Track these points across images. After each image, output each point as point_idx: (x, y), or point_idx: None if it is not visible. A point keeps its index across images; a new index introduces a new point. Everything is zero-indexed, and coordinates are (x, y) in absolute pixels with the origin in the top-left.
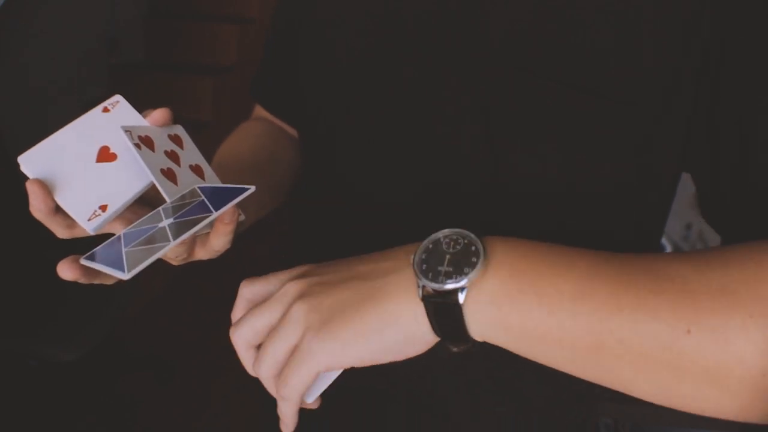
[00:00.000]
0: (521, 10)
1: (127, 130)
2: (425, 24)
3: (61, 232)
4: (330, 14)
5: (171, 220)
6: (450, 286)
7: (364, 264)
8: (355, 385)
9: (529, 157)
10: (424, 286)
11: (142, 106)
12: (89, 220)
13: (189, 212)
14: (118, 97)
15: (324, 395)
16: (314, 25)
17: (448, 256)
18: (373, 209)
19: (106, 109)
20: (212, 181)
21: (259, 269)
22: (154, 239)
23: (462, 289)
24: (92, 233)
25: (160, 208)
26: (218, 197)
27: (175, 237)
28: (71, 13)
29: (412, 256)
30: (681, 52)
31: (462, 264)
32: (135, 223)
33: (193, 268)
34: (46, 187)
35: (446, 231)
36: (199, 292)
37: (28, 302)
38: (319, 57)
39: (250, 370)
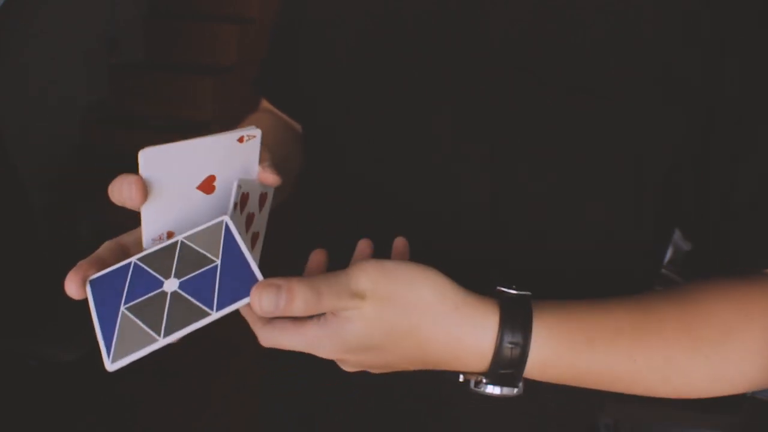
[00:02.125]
0: (521, 10)
1: (240, 185)
2: (425, 24)
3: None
4: (330, 14)
5: (175, 287)
6: (508, 392)
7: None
8: (360, 384)
9: (529, 157)
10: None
11: (142, 106)
12: (152, 240)
13: (194, 291)
14: (256, 132)
15: (329, 393)
16: (315, 25)
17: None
18: (374, 207)
19: (241, 139)
20: (252, 255)
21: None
22: (147, 316)
23: None
24: (145, 249)
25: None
26: (229, 289)
27: (166, 334)
28: (71, 14)
29: (482, 379)
30: (681, 52)
31: (514, 382)
32: (148, 252)
33: None
34: (144, 190)
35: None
36: None
37: (28, 302)
38: (319, 56)
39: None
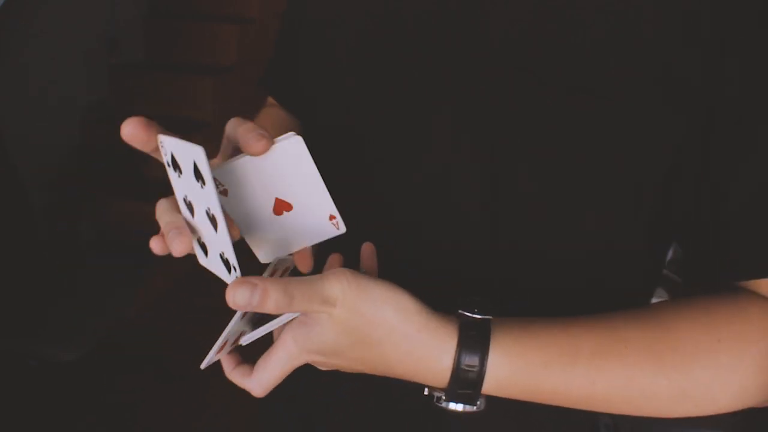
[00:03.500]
0: (521, 11)
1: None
2: (425, 24)
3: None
4: (330, 14)
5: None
6: (468, 409)
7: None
8: (359, 384)
9: (528, 157)
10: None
11: (142, 106)
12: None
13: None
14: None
15: (328, 393)
16: (315, 25)
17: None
18: (371, 207)
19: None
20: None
21: (260, 269)
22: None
23: None
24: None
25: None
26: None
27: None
28: (71, 14)
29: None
30: (681, 52)
31: (472, 401)
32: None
33: (194, 268)
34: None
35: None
36: (200, 292)
37: (28, 302)
38: (319, 56)
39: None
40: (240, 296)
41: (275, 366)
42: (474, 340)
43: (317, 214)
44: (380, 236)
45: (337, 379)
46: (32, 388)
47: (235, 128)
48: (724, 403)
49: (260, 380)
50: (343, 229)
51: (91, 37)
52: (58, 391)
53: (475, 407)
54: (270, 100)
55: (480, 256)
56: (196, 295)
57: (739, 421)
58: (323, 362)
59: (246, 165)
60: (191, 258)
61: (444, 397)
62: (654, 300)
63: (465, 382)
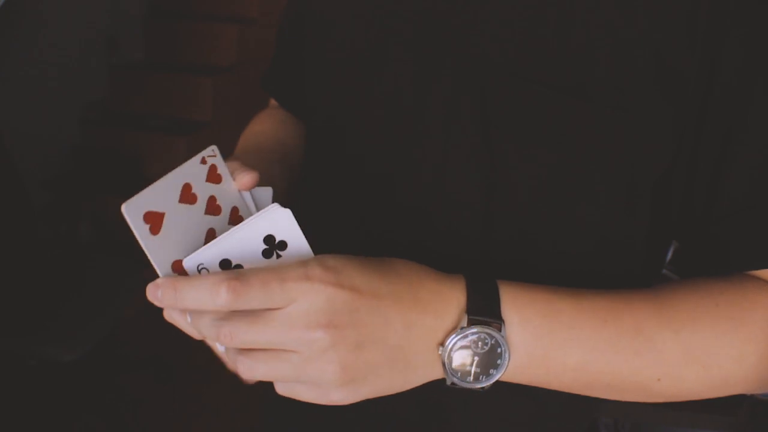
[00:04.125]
0: (513, 12)
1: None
2: (421, 26)
3: None
4: (330, 14)
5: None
6: (478, 386)
7: (394, 330)
8: None
9: (525, 159)
10: (453, 383)
11: (142, 106)
12: (166, 272)
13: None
14: (215, 150)
15: None
16: (315, 25)
17: (476, 358)
18: (369, 205)
19: (203, 160)
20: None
21: None
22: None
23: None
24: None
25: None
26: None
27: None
28: (71, 14)
29: (443, 354)
30: (675, 57)
31: (489, 366)
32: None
33: None
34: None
35: (474, 330)
36: None
37: (28, 302)
38: (319, 57)
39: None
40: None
41: (269, 335)
42: (481, 282)
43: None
44: (377, 233)
45: None
46: (32, 388)
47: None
48: (729, 368)
49: (251, 362)
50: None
51: (91, 37)
52: (58, 391)
53: (501, 333)
54: (273, 101)
55: (471, 255)
56: None
57: (739, 422)
58: (322, 337)
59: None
60: None
61: (465, 321)
62: None
63: (482, 289)
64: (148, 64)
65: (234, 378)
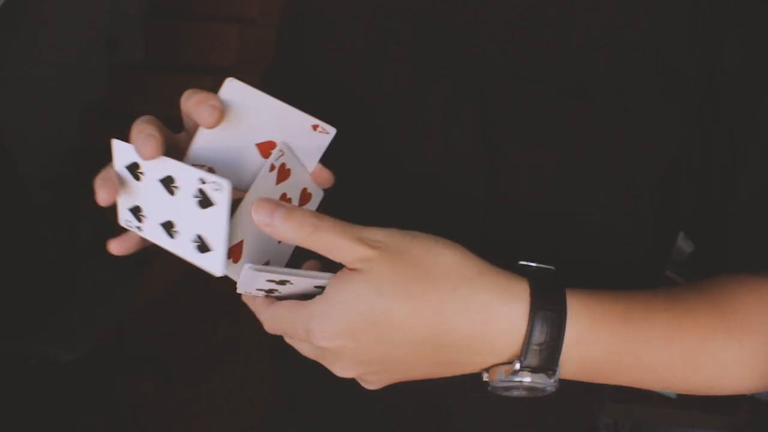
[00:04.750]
0: (515, 16)
1: (281, 150)
2: (421, 27)
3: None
4: (330, 14)
5: None
6: (540, 384)
7: (440, 360)
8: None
9: (525, 159)
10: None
11: (142, 106)
12: (192, 163)
13: None
14: (330, 130)
15: (329, 394)
16: (315, 25)
17: (524, 391)
18: (369, 205)
19: (315, 126)
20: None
21: None
22: None
23: None
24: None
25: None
26: None
27: None
28: (71, 13)
29: (487, 379)
30: (675, 57)
31: (535, 392)
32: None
33: (193, 268)
34: (221, 114)
35: (528, 380)
36: (200, 293)
37: (28, 302)
38: (319, 57)
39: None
40: (260, 212)
41: (298, 318)
42: (548, 285)
43: (302, 133)
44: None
45: (339, 378)
46: (32, 388)
47: (187, 101)
48: None
49: (278, 317)
50: (332, 130)
51: (91, 37)
52: (57, 391)
53: (552, 380)
54: None
55: (475, 251)
56: (195, 296)
57: (739, 422)
58: (351, 348)
59: (208, 135)
60: None
61: (518, 364)
62: None
63: (543, 334)
64: (148, 64)
65: (234, 378)
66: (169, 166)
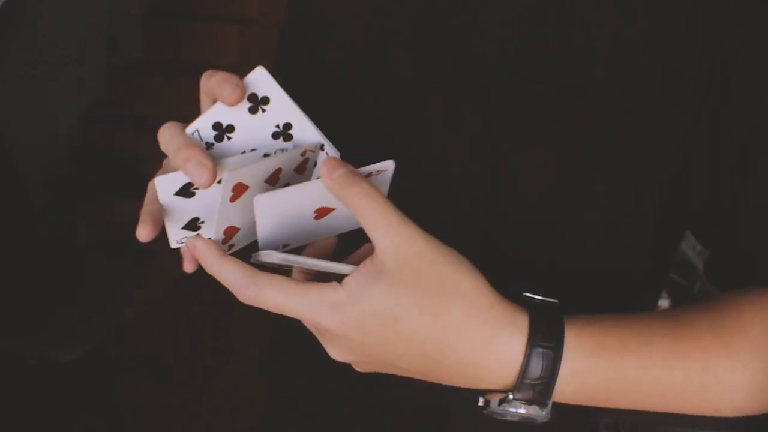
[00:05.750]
0: (515, 16)
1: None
2: (421, 27)
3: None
4: (330, 14)
5: None
6: (533, 415)
7: (440, 369)
8: (360, 386)
9: (525, 159)
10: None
11: (142, 106)
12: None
13: None
14: (389, 165)
15: (329, 394)
16: (315, 25)
17: (521, 412)
18: None
19: (369, 175)
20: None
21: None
22: None
23: None
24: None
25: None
26: None
27: None
28: (71, 14)
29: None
30: (675, 57)
31: (544, 397)
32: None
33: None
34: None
35: (523, 411)
36: (199, 293)
37: (28, 302)
38: (319, 57)
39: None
40: (334, 165)
41: (284, 299)
42: (547, 321)
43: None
44: None
45: (340, 378)
46: (32, 388)
47: (208, 80)
48: None
49: (258, 292)
50: (390, 165)
51: (91, 37)
52: (57, 391)
53: (544, 411)
54: None
55: (476, 251)
56: (195, 296)
57: (740, 422)
58: (350, 343)
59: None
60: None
61: (512, 395)
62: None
63: (538, 369)
64: (148, 64)
65: (234, 378)
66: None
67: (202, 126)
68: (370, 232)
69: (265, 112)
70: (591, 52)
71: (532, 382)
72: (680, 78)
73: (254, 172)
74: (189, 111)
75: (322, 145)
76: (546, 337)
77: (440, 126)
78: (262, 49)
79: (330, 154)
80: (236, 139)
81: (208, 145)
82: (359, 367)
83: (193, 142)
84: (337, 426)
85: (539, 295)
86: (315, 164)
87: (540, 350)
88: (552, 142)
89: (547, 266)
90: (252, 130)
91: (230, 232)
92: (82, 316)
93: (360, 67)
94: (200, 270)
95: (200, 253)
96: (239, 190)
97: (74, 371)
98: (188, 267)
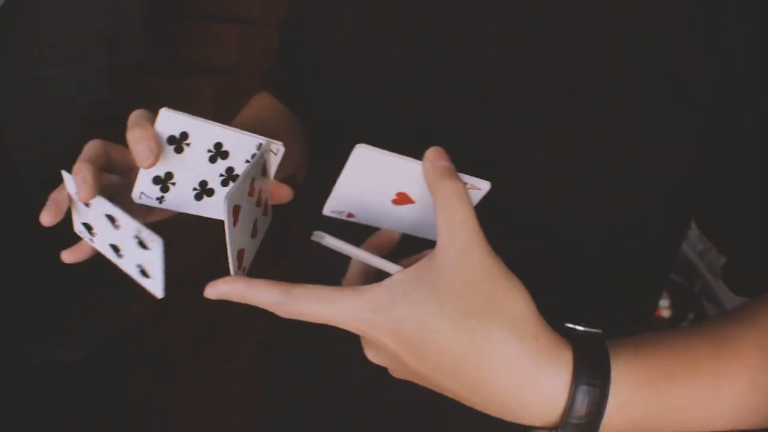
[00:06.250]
0: (515, 16)
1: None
2: (421, 27)
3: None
4: (330, 14)
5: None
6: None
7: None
8: (357, 386)
9: (525, 159)
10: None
11: (142, 106)
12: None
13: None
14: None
15: (327, 394)
16: (315, 25)
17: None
18: None
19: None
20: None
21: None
22: None
23: None
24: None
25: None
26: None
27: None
28: (71, 14)
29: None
30: (675, 57)
31: (593, 427)
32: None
33: (193, 268)
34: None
35: (586, 380)
36: (200, 293)
37: (30, 302)
38: (319, 57)
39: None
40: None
41: (323, 309)
42: (592, 354)
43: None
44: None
45: (337, 378)
46: (32, 388)
47: (128, 133)
48: None
49: (297, 306)
50: (485, 185)
51: (91, 37)
52: (58, 391)
53: None
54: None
55: None
56: (197, 295)
57: None
58: (386, 348)
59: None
60: (192, 258)
61: None
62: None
63: (584, 407)
64: (148, 64)
65: (234, 377)
66: (111, 208)
67: (144, 186)
68: (441, 229)
69: (191, 146)
70: (591, 52)
71: (578, 421)
72: (680, 78)
73: (240, 189)
74: (189, 111)
75: (260, 144)
76: (592, 375)
77: (440, 126)
78: (262, 49)
79: (273, 146)
80: (180, 181)
81: (159, 199)
82: (394, 374)
83: (87, 155)
84: (335, 426)
85: (581, 325)
86: (266, 162)
87: (585, 388)
88: (552, 142)
89: (548, 266)
90: (189, 166)
91: (240, 256)
92: (84, 316)
93: (360, 67)
94: (201, 269)
95: (229, 293)
96: (236, 212)
97: (74, 371)
98: (45, 219)
